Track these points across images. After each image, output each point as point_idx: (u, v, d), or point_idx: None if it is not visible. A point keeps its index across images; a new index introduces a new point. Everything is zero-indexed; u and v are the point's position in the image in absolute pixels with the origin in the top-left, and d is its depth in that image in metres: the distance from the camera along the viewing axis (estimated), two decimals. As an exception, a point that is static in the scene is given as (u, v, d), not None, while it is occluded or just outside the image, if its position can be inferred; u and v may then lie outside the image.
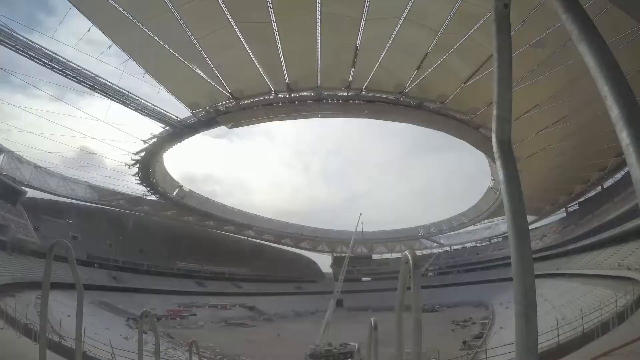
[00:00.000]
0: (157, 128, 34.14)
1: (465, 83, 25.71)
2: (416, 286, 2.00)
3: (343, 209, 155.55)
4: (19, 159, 47.49)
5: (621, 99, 0.66)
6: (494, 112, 0.97)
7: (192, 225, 75.35)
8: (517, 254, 0.85)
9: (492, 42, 0.99)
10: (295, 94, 28.61)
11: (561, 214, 60.62)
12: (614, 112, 0.65)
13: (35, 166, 49.15)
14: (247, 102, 29.40)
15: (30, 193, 51.19)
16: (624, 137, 0.63)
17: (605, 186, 47.28)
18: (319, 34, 22.64)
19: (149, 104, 30.96)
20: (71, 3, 20.16)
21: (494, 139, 0.96)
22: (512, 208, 0.86)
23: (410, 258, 2.00)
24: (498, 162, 0.92)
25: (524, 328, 0.82)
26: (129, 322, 35.50)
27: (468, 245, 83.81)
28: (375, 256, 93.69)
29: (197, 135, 34.94)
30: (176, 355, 26.95)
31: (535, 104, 26.37)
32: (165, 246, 69.94)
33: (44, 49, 25.78)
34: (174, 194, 54.11)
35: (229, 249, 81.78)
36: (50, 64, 26.23)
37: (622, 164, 38.74)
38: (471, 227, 76.83)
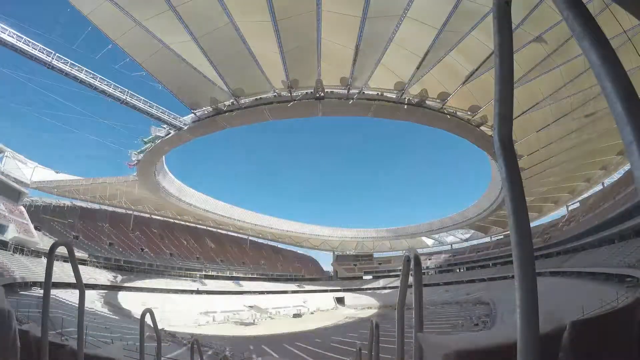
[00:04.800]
0: (158, 128, 34.16)
1: (465, 81, 25.70)
2: (417, 284, 2.00)
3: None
4: (20, 160, 47.63)
5: (623, 96, 0.66)
6: (495, 109, 0.97)
7: (193, 224, 75.52)
8: (519, 251, 0.85)
9: (493, 40, 0.98)
10: (295, 93, 28.60)
11: (562, 211, 60.70)
12: (616, 110, 0.65)
13: (37, 166, 49.26)
14: (248, 101, 29.41)
15: (32, 193, 51.38)
16: (626, 135, 0.63)
17: (606, 184, 47.30)
18: (319, 33, 22.64)
19: (150, 104, 30.94)
20: (70, 2, 20.16)
21: (495, 137, 0.96)
22: (514, 206, 0.86)
23: (412, 256, 2.00)
24: (499, 160, 0.92)
25: (525, 326, 0.82)
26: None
27: (469, 243, 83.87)
28: (376, 254, 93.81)
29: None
30: (178, 353, 26.98)
31: (536, 102, 26.39)
32: (166, 245, 70.14)
33: (43, 49, 25.77)
34: (175, 192, 54.14)
35: (229, 247, 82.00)
36: (50, 64, 26.22)
37: (623, 162, 38.73)
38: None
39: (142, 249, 64.78)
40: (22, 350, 2.14)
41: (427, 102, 28.65)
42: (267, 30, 22.16)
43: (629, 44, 17.87)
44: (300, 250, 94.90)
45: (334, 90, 28.53)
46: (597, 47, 0.71)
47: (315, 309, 69.67)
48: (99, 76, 28.48)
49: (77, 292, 2.73)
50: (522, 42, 20.38)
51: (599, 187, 49.12)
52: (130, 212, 66.34)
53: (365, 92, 28.49)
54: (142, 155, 37.41)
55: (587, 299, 26.35)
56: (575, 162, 38.97)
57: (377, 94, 28.72)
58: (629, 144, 0.62)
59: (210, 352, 29.33)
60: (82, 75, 27.56)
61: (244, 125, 34.05)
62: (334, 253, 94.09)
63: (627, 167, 40.01)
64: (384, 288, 75.98)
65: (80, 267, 2.64)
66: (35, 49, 25.46)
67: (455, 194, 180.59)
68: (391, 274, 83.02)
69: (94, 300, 39.94)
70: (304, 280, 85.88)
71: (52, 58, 26.13)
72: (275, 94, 28.90)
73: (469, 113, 29.24)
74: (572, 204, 57.85)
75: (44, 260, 40.73)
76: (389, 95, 28.70)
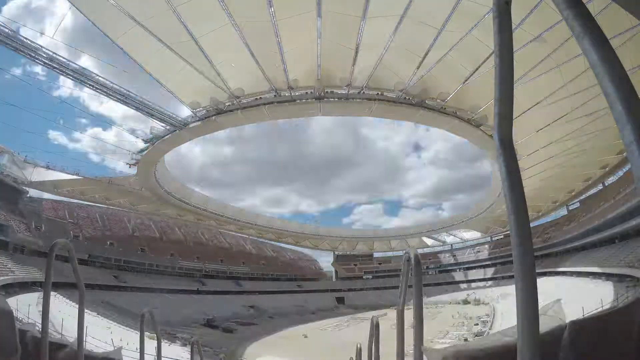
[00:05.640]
0: (158, 128, 34.16)
1: (465, 81, 25.71)
2: (418, 284, 2.00)
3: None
4: (20, 159, 47.56)
5: (623, 96, 0.66)
6: (495, 109, 0.97)
7: (193, 224, 75.43)
8: (519, 251, 0.85)
9: (494, 39, 0.98)
10: (295, 93, 28.60)
11: (562, 211, 60.63)
12: (617, 110, 0.65)
13: (37, 166, 49.19)
14: (248, 100, 29.42)
15: (32, 193, 51.36)
16: (627, 135, 0.63)
17: (606, 184, 47.24)
18: (319, 32, 22.64)
19: (150, 103, 30.95)
20: (71, 2, 20.16)
21: (495, 137, 0.96)
22: (514, 205, 0.86)
23: (411, 256, 2.00)
24: (499, 160, 0.91)
25: (525, 326, 0.82)
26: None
27: (469, 243, 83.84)
28: (376, 254, 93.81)
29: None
30: (178, 353, 26.99)
31: (536, 102, 26.37)
32: (166, 245, 70.07)
33: (43, 49, 25.78)
34: (174, 192, 54.10)
35: (230, 247, 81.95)
36: (50, 63, 26.22)
37: (624, 161, 38.69)
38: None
39: (142, 249, 64.73)
40: (22, 350, 2.14)
41: (427, 102, 28.65)
42: (267, 30, 22.16)
43: (629, 44, 17.87)
44: (300, 250, 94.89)
45: (334, 90, 28.53)
46: (597, 47, 0.71)
47: (316, 309, 69.65)
48: (99, 76, 28.52)
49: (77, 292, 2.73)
50: (522, 42, 20.36)
51: (599, 187, 49.06)
52: (130, 212, 66.26)
53: (365, 92, 28.49)
54: (142, 155, 37.41)
55: (587, 299, 26.34)
56: (575, 162, 38.94)
57: (377, 94, 28.71)
58: (629, 144, 0.62)
59: (210, 352, 29.35)
60: (81, 75, 27.58)
61: (244, 125, 34.08)
62: (334, 253, 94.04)
63: (627, 167, 39.97)
64: (384, 288, 75.92)
65: (80, 266, 2.64)
66: (34, 48, 25.45)
67: (455, 193, 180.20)
68: (391, 274, 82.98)
69: (93, 300, 39.91)
70: (304, 280, 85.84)
71: (51, 58, 26.13)
72: (275, 94, 28.89)
73: (469, 113, 29.23)
74: (572, 204, 57.80)
75: (44, 260, 40.74)
76: (389, 95, 28.70)
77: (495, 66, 0.98)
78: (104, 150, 40.04)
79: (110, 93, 29.30)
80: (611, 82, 0.68)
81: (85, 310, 2.81)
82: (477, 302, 58.73)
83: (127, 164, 39.82)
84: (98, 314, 34.09)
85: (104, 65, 36.28)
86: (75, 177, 48.28)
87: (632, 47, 18.27)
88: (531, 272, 0.83)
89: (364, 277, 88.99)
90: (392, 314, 2.56)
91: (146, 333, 3.87)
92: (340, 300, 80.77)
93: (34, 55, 25.57)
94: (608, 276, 30.86)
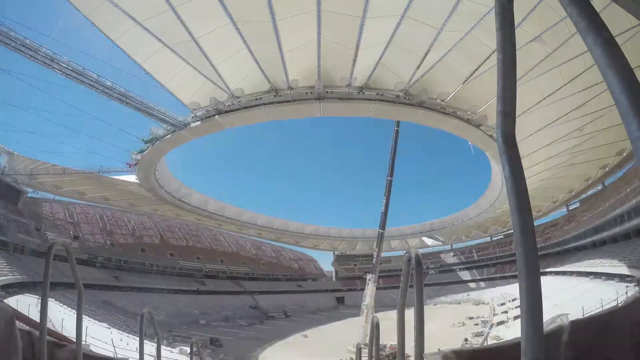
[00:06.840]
0: (158, 128, 34.12)
1: (465, 81, 25.70)
2: (419, 284, 1.99)
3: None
4: (19, 159, 47.55)
5: (629, 91, 0.65)
6: (498, 107, 0.96)
7: (193, 224, 75.39)
8: (523, 250, 0.84)
9: (496, 36, 0.97)
10: (295, 93, 28.57)
11: (562, 211, 60.65)
12: (623, 105, 0.64)
13: (36, 165, 49.17)
14: (248, 100, 29.39)
15: (31, 192, 51.35)
16: (633, 131, 0.62)
17: (606, 184, 47.26)
18: (319, 32, 22.61)
19: (150, 104, 30.91)
20: (71, 3, 20.14)
21: (498, 135, 0.95)
22: (517, 204, 0.85)
23: (412, 256, 1.99)
24: (502, 158, 0.91)
25: (529, 325, 0.81)
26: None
27: (469, 243, 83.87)
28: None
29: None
30: (178, 353, 27.00)
31: (536, 102, 26.37)
32: (166, 245, 70.07)
33: (44, 49, 25.75)
34: (175, 192, 54.03)
35: (230, 247, 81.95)
36: (50, 63, 26.19)
37: (623, 161, 38.69)
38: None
39: (142, 249, 64.71)
40: (22, 350, 2.13)
41: (427, 102, 28.63)
42: (267, 30, 22.14)
43: (629, 44, 17.86)
44: (300, 250, 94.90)
45: (334, 90, 28.50)
46: (602, 43, 0.70)
47: (316, 309, 69.70)
48: (99, 76, 28.50)
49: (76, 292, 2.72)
50: (522, 42, 20.35)
51: (599, 187, 49.06)
52: (130, 212, 66.25)
53: (365, 92, 28.46)
54: (142, 155, 37.38)
55: (587, 299, 26.35)
56: (575, 161, 38.92)
57: (377, 94, 28.68)
58: (636, 140, 0.61)
59: (210, 352, 29.38)
60: (82, 75, 27.56)
61: (244, 125, 34.04)
62: (334, 253, 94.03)
63: (627, 167, 39.97)
64: (384, 288, 75.91)
65: (80, 266, 2.63)
66: (34, 48, 25.44)
67: (455, 194, 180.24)
68: (391, 273, 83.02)
69: (93, 300, 39.91)
70: (304, 280, 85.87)
71: (51, 58, 26.11)
72: (275, 94, 28.86)
73: (469, 113, 29.22)
74: (572, 204, 57.82)
75: (43, 260, 40.67)
76: (389, 95, 28.67)
77: (498, 63, 0.97)
78: (104, 150, 39.85)
79: (110, 93, 29.29)
80: (616, 78, 0.67)
81: (85, 310, 2.80)
82: (477, 302, 58.74)
83: (127, 164, 39.81)
84: (98, 314, 34.09)
85: (103, 65, 36.27)
86: (75, 177, 48.23)
87: (631, 48, 18.25)
88: (535, 270, 0.82)
89: (364, 277, 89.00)
90: (392, 314, 2.56)
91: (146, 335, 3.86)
92: (340, 300, 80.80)
93: (33, 55, 25.56)
94: (608, 276, 30.88)
